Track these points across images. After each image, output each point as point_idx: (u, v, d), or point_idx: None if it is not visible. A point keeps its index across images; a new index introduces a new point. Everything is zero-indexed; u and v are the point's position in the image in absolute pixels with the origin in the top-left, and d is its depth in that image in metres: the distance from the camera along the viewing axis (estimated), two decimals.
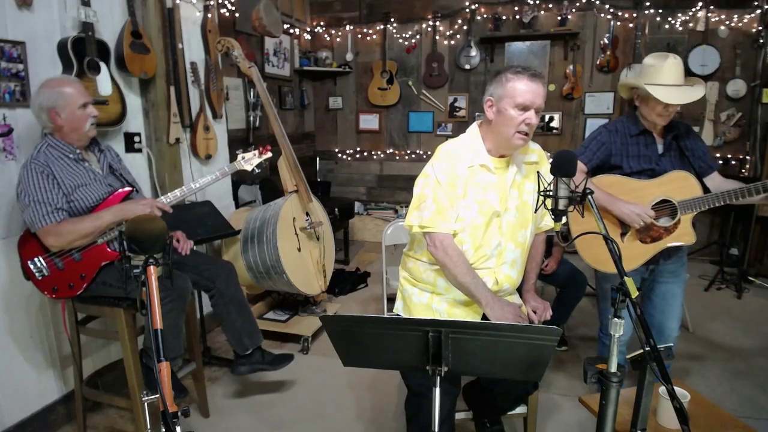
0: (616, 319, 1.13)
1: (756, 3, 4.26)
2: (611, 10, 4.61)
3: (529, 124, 1.57)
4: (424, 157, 5.38)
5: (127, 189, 2.05)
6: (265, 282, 2.97)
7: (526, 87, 1.55)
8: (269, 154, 2.43)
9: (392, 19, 5.14)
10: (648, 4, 4.50)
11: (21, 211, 1.83)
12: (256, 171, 2.43)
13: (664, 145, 2.05)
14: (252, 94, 4.07)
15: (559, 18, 4.74)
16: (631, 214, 1.96)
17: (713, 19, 4.41)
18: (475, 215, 1.66)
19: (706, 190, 2.02)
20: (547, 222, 1.84)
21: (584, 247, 2.02)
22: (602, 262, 2.02)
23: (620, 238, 2.03)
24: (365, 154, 5.66)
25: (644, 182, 2.01)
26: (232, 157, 3.55)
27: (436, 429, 1.17)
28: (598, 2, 4.63)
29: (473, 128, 1.74)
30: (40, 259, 1.84)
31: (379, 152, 5.61)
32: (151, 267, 1.23)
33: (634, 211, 1.96)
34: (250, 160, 2.38)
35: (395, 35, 5.22)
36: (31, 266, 1.84)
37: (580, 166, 1.96)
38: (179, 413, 1.07)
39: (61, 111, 1.86)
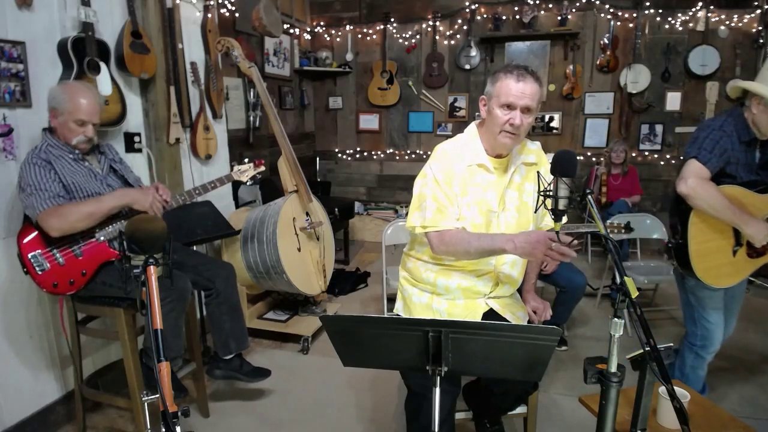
0: (615, 319, 1.13)
1: (756, 3, 4.27)
2: (611, 10, 4.61)
3: (513, 124, 1.55)
4: (424, 157, 5.38)
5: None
6: (265, 282, 2.97)
7: (512, 86, 1.54)
8: (263, 168, 2.46)
9: (392, 19, 5.14)
10: (648, 4, 4.50)
11: (23, 202, 1.82)
12: (249, 183, 2.48)
13: (760, 153, 1.94)
14: (252, 94, 4.07)
15: (559, 18, 4.74)
16: (760, 234, 1.85)
17: (713, 19, 4.41)
18: (475, 215, 1.66)
19: None
20: (548, 222, 1.84)
21: (700, 258, 1.91)
22: (713, 276, 1.93)
23: (732, 252, 1.94)
24: (365, 154, 5.66)
25: (758, 196, 1.92)
26: (233, 158, 3.55)
27: (436, 429, 1.17)
28: (598, 2, 4.64)
29: (471, 128, 1.75)
30: (40, 253, 1.83)
31: (379, 152, 5.61)
32: (151, 267, 1.23)
33: (764, 232, 1.85)
34: (246, 172, 2.40)
35: (395, 35, 5.22)
36: (32, 260, 1.81)
37: (704, 172, 1.84)
38: (179, 413, 1.07)
39: (59, 115, 1.87)
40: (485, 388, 1.89)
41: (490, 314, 1.73)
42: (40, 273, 1.83)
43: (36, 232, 1.83)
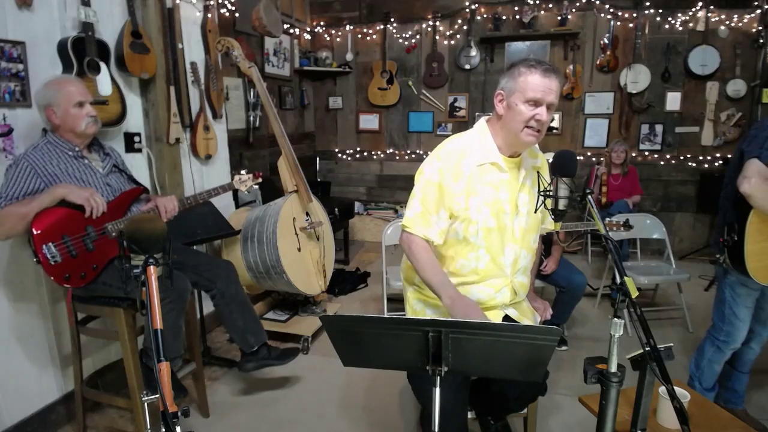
0: (615, 319, 1.13)
1: (756, 3, 4.26)
2: (611, 10, 4.61)
3: (539, 120, 1.49)
4: (424, 157, 5.33)
5: (137, 188, 2.08)
6: (265, 282, 2.97)
7: (538, 81, 1.47)
8: (260, 180, 2.57)
9: (392, 19, 5.14)
10: (648, 4, 4.50)
11: None
12: (247, 193, 2.53)
13: None
14: (252, 94, 4.07)
15: (559, 18, 4.74)
16: None
17: (713, 19, 4.41)
18: (487, 218, 1.59)
19: None
20: (549, 223, 1.81)
21: (754, 256, 1.91)
22: (763, 275, 1.93)
23: None
24: (365, 154, 5.66)
25: None
26: (233, 158, 3.56)
27: (436, 430, 1.17)
28: (598, 2, 4.63)
29: (481, 124, 1.65)
30: (55, 244, 1.80)
31: (379, 152, 5.61)
32: (151, 267, 1.23)
33: None
34: (245, 182, 2.50)
35: (395, 35, 5.22)
36: (45, 251, 1.78)
37: (766, 172, 1.80)
38: (179, 413, 1.07)
39: (57, 109, 1.87)
40: (499, 394, 1.80)
41: (506, 321, 1.68)
42: (52, 264, 1.79)
43: (49, 222, 1.79)
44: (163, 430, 1.03)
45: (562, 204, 1.32)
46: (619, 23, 4.64)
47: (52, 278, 1.81)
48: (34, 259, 1.79)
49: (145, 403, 1.20)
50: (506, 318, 1.69)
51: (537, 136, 1.52)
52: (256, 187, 2.57)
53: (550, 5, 4.76)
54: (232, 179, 2.47)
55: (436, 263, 1.61)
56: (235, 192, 3.58)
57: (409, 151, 5.52)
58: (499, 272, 1.65)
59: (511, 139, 1.56)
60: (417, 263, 1.60)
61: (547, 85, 1.48)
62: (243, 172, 2.53)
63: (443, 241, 1.63)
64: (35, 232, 1.77)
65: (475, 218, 1.58)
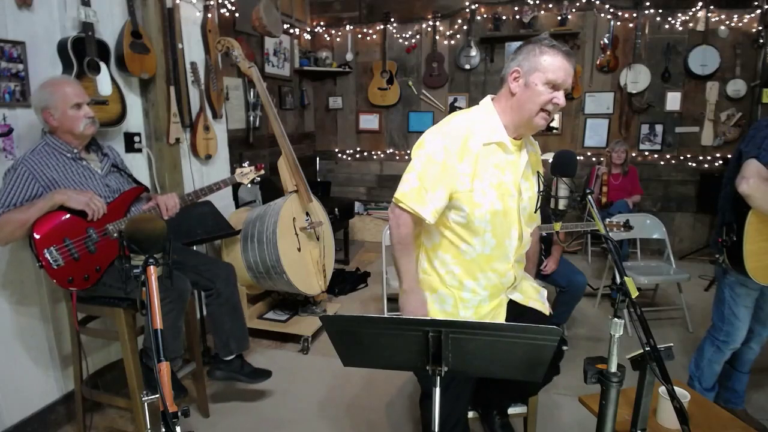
0: (615, 319, 1.13)
1: (756, 3, 4.27)
2: (611, 10, 4.61)
3: (557, 104, 1.45)
4: None
5: (137, 188, 2.07)
6: (265, 282, 2.97)
7: (560, 64, 1.43)
8: (263, 172, 2.54)
9: (392, 19, 5.14)
10: (648, 4, 4.50)
11: None
12: (249, 186, 2.60)
13: None
14: (252, 94, 4.07)
15: (559, 18, 4.74)
16: None
17: (713, 19, 4.42)
18: (494, 200, 1.53)
19: None
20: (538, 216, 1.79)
21: (754, 257, 1.92)
22: (762, 275, 1.93)
23: None
24: (365, 154, 5.67)
25: None
26: (233, 158, 3.56)
27: (437, 429, 1.17)
28: (598, 2, 4.64)
29: (486, 102, 1.61)
30: (56, 248, 1.79)
31: (379, 152, 5.61)
32: (151, 267, 1.23)
33: None
34: (247, 175, 2.47)
35: (395, 35, 5.22)
36: (47, 255, 1.77)
37: (764, 172, 1.80)
38: (179, 413, 1.06)
39: (54, 111, 1.86)
40: (509, 381, 1.77)
41: (513, 306, 1.68)
42: (55, 268, 1.79)
43: (50, 227, 1.79)
44: (163, 430, 1.03)
45: (562, 204, 1.32)
46: (619, 23, 4.64)
47: (55, 282, 1.81)
48: (38, 264, 1.79)
49: (145, 403, 1.20)
50: (511, 303, 1.68)
51: (548, 120, 1.50)
52: (258, 181, 2.54)
53: (550, 5, 4.76)
54: (233, 173, 2.45)
55: (412, 249, 1.61)
56: (236, 192, 3.58)
57: (409, 151, 5.51)
58: (504, 257, 1.61)
59: (522, 120, 1.52)
60: (399, 242, 1.57)
61: (568, 68, 1.44)
62: (245, 164, 2.48)
63: (435, 221, 1.55)
64: (36, 237, 1.76)
65: (479, 201, 1.52)
